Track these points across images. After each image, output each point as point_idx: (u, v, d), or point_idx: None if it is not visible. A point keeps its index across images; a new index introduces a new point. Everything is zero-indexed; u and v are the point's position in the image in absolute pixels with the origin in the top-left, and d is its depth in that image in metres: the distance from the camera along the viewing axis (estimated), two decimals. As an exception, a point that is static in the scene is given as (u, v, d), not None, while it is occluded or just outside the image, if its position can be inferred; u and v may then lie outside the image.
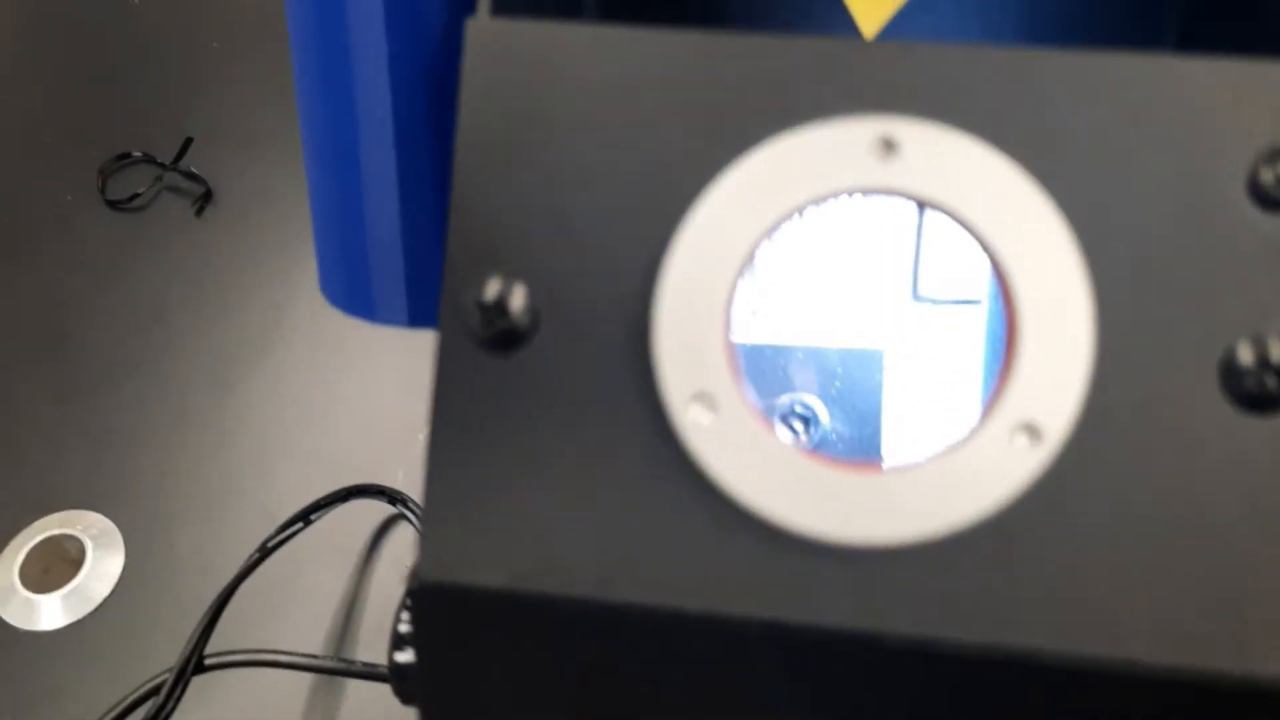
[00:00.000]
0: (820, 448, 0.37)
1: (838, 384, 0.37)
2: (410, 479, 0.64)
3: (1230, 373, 0.24)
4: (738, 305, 0.26)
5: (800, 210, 0.26)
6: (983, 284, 0.36)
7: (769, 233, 0.26)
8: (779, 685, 0.26)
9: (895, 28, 0.37)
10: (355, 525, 0.65)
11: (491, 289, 0.27)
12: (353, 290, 0.36)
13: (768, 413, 0.38)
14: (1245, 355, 0.24)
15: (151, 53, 0.91)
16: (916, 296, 0.37)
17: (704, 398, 0.25)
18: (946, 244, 0.36)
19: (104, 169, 0.84)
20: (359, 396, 0.70)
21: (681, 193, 0.26)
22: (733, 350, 0.26)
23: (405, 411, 0.65)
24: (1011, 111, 0.25)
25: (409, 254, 0.35)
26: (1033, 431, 0.24)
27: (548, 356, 0.27)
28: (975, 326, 0.37)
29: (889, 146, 0.25)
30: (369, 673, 0.57)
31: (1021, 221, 0.25)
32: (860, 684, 0.26)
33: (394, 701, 0.32)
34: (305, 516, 0.61)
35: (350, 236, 0.35)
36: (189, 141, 0.83)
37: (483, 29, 0.27)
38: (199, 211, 0.80)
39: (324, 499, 0.62)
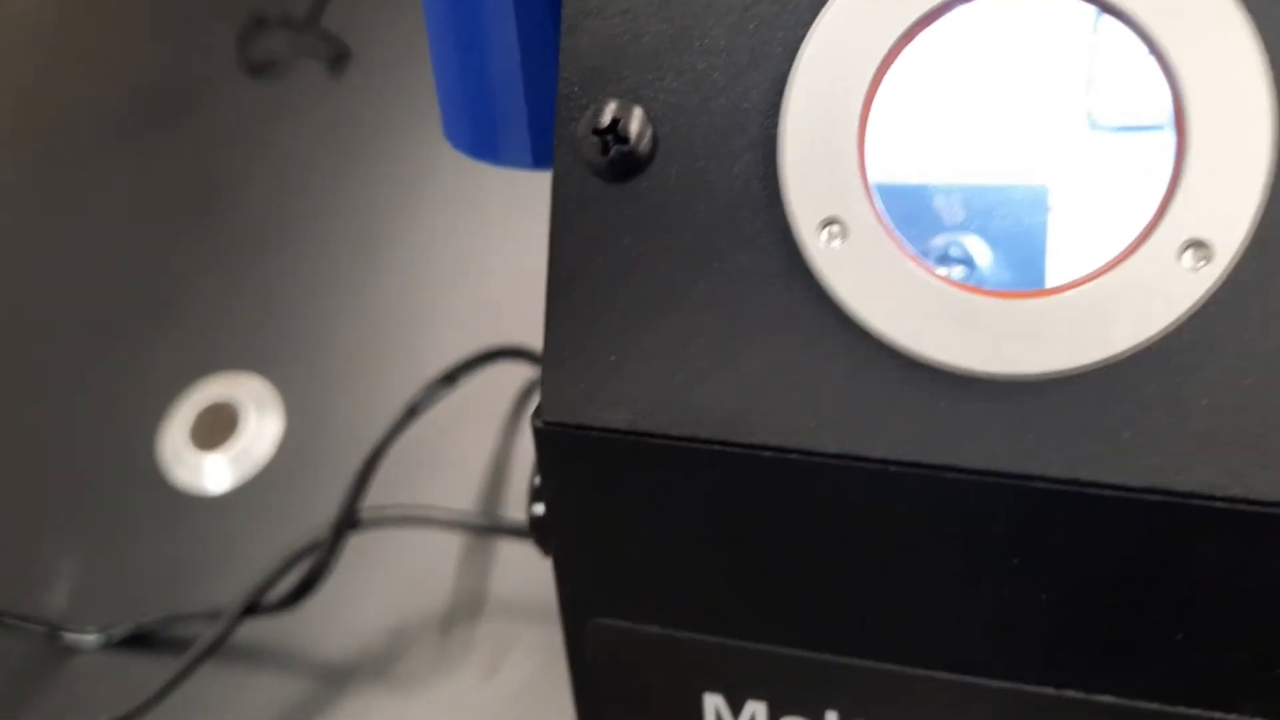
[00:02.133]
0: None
1: (997, 223, 0.34)
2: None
3: None
4: (878, 127, 0.24)
5: (938, 11, 0.23)
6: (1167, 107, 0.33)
7: (904, 36, 0.23)
8: (921, 527, 0.25)
9: None
10: (501, 386, 0.65)
11: (607, 112, 0.25)
12: (476, 131, 0.35)
13: (922, 256, 0.36)
14: None
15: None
16: (1092, 124, 0.34)
17: (836, 223, 0.24)
18: (1124, 61, 0.32)
19: (241, 34, 0.84)
20: (503, 256, 0.70)
21: (808, 3, 0.24)
22: (866, 172, 0.24)
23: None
24: None
25: (530, 91, 0.33)
26: (1202, 248, 0.22)
27: (669, 183, 0.25)
28: (1158, 157, 0.34)
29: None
30: (515, 529, 0.57)
31: (1194, 17, 0.22)
32: (1009, 531, 0.24)
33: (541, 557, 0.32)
34: (450, 377, 0.61)
35: (469, 74, 0.34)
36: (325, 1, 0.83)
37: None
38: (336, 72, 0.80)
39: (467, 360, 0.62)
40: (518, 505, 0.62)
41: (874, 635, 0.27)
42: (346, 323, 0.70)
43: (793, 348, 0.25)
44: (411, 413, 0.61)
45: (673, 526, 0.27)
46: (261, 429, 0.67)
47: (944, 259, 0.35)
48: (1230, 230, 0.22)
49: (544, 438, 0.27)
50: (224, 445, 0.67)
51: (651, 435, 0.26)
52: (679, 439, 0.26)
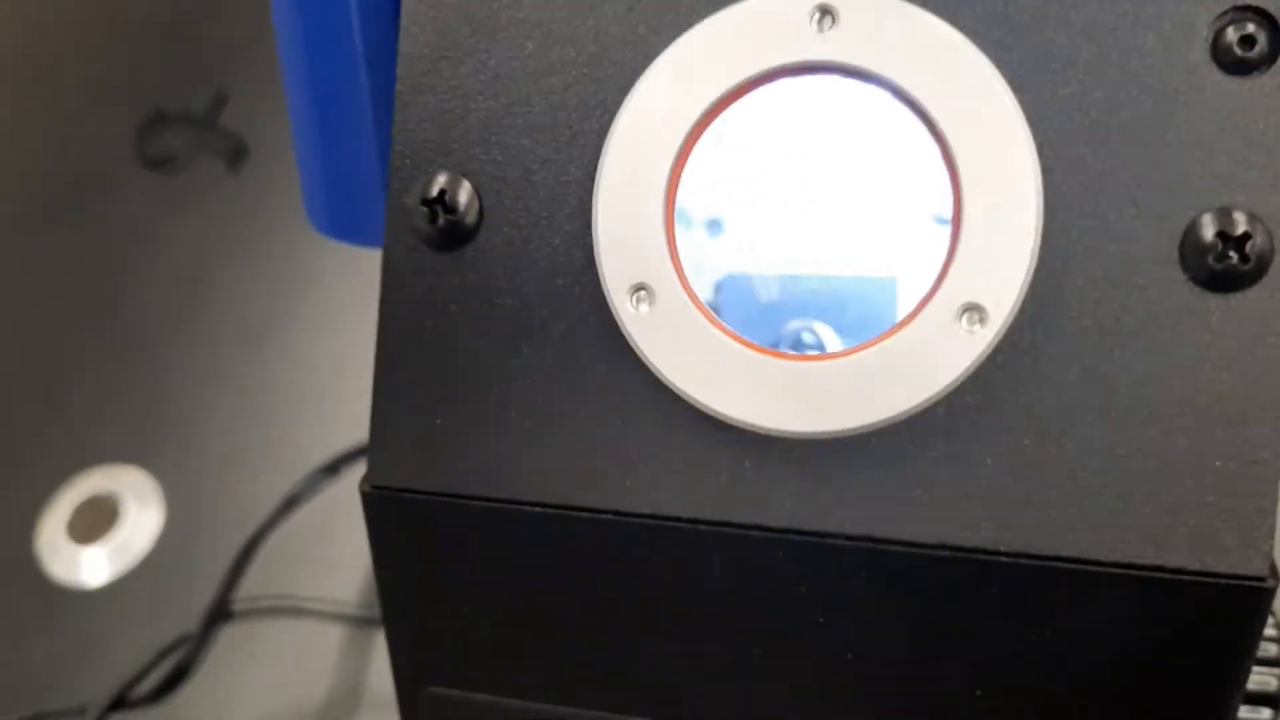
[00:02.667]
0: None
1: (850, 311, 0.35)
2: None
3: (1191, 249, 0.23)
4: (690, 194, 0.26)
5: (742, 89, 0.25)
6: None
7: (710, 112, 0.25)
8: (726, 583, 0.26)
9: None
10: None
11: (436, 184, 0.26)
12: (334, 212, 0.36)
13: (776, 342, 0.37)
14: (1207, 230, 0.23)
15: (183, 10, 0.91)
16: (938, 219, 0.36)
17: (644, 288, 0.25)
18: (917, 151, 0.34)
19: (140, 129, 0.85)
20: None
21: (620, 79, 0.25)
22: (674, 239, 0.25)
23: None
24: None
25: (385, 170, 0.34)
26: (977, 312, 0.23)
27: (494, 253, 0.26)
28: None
29: (827, 15, 0.24)
30: (392, 619, 0.57)
31: (964, 91, 0.23)
32: (808, 582, 0.25)
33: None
34: (332, 468, 0.61)
35: (327, 156, 0.35)
36: (224, 98, 0.84)
37: None
38: (234, 168, 0.81)
39: (350, 451, 0.62)
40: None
41: (693, 695, 0.27)
42: (231, 414, 0.70)
43: (607, 411, 0.25)
44: (291, 503, 0.60)
45: (495, 590, 0.28)
46: (141, 521, 0.66)
47: (798, 342, 0.37)
48: (1002, 294, 0.23)
49: (371, 502, 0.27)
50: (103, 538, 0.66)
51: (474, 498, 0.26)
52: (499, 501, 0.26)
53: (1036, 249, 0.23)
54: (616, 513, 0.25)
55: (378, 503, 0.27)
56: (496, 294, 0.26)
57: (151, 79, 0.88)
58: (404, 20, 0.27)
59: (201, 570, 0.62)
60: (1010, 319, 0.23)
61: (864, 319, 0.36)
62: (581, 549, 0.26)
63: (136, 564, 0.65)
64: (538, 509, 0.26)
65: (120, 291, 0.77)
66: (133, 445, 0.70)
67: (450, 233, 0.26)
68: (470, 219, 0.26)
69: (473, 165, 0.26)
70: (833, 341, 0.36)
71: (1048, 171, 0.23)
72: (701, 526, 0.25)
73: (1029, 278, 0.23)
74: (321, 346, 0.72)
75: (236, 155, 0.82)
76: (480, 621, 0.28)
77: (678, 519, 0.25)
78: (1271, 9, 0.23)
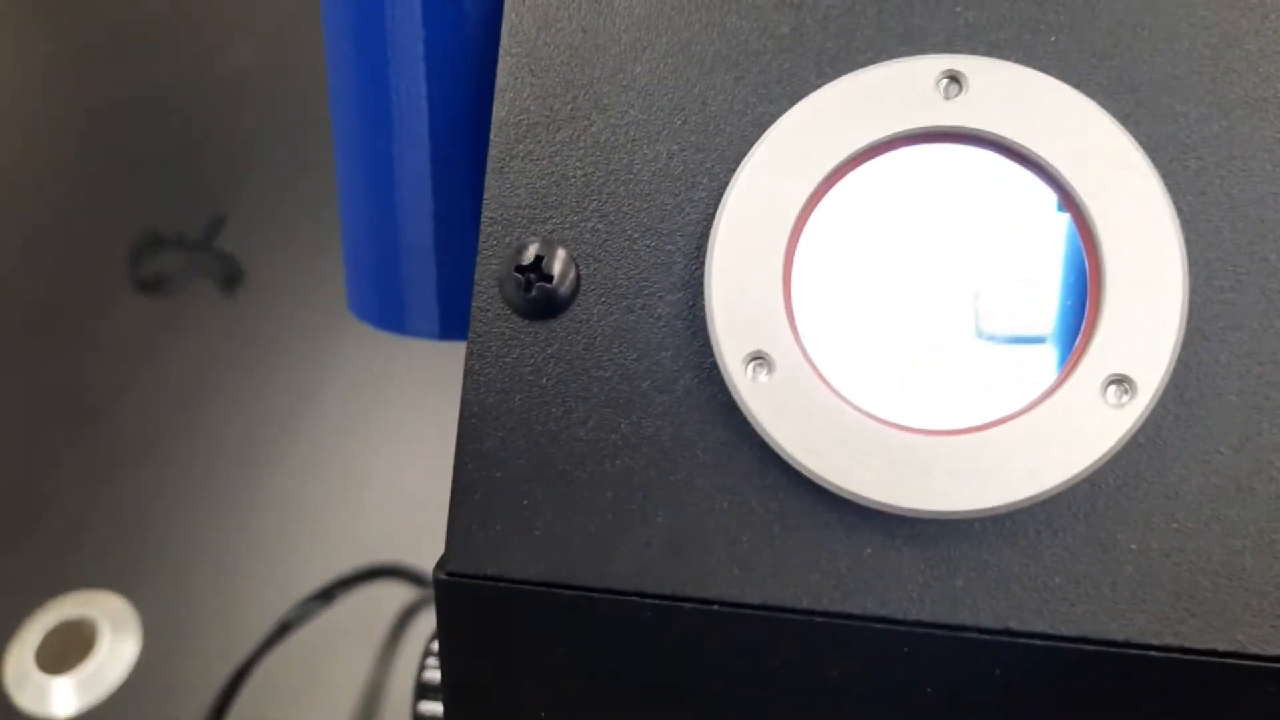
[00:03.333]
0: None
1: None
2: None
3: None
4: (806, 269, 0.24)
5: (861, 156, 0.24)
6: (1049, 320, 0.34)
7: (827, 180, 0.24)
8: (848, 681, 0.24)
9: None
10: (381, 607, 0.62)
11: (530, 251, 0.25)
12: (383, 300, 0.34)
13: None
14: None
15: (182, 135, 0.91)
16: (980, 333, 0.35)
17: (762, 357, 0.23)
18: (1012, 276, 0.33)
19: (134, 252, 0.84)
20: (388, 476, 0.68)
21: (734, 146, 0.25)
22: (792, 307, 0.24)
23: (436, 491, 0.63)
24: (1086, 45, 0.23)
25: (441, 260, 0.33)
26: (1124, 383, 0.22)
27: (591, 323, 0.25)
28: (1044, 366, 0.34)
29: (955, 82, 0.23)
30: (391, 756, 0.54)
31: (1101, 160, 0.23)
32: (936, 679, 0.23)
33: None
34: (326, 594, 0.59)
35: (381, 243, 0.34)
36: (221, 221, 0.83)
37: None
38: (229, 292, 0.80)
39: (346, 577, 0.59)
40: (394, 732, 0.58)
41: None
42: (218, 539, 0.67)
43: (716, 489, 0.24)
44: (284, 629, 0.57)
45: (583, 687, 0.25)
46: (116, 650, 0.62)
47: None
48: (1151, 365, 0.22)
49: (446, 590, 0.25)
50: (75, 668, 0.62)
51: (563, 587, 0.24)
52: (592, 591, 0.24)
53: (1184, 321, 0.22)
54: (725, 603, 0.23)
55: (453, 591, 0.25)
56: (594, 366, 0.25)
57: (147, 202, 0.87)
58: (500, 84, 0.26)
59: (180, 702, 0.59)
60: (1160, 390, 0.22)
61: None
62: (685, 644, 0.24)
63: (109, 695, 0.61)
64: (636, 599, 0.24)
65: (106, 413, 0.75)
66: (110, 569, 0.66)
67: (544, 301, 0.25)
68: (566, 288, 0.25)
69: (570, 233, 0.25)
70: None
71: (1189, 241, 0.22)
72: (818, 619, 0.23)
73: (1178, 349, 0.22)
74: (316, 472, 0.69)
75: (232, 278, 0.81)
76: (561, 718, 0.26)
77: (793, 610, 0.23)
78: None
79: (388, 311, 0.35)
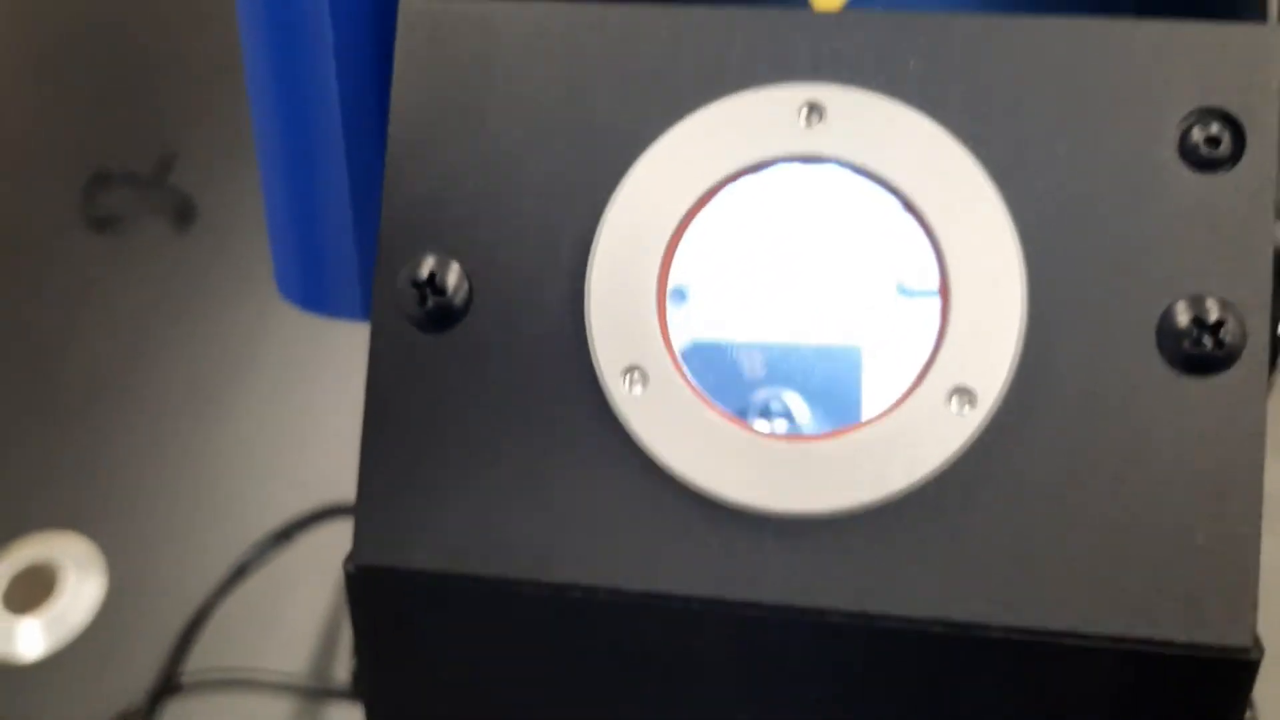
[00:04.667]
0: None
1: (815, 379, 0.36)
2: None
3: (1167, 335, 0.24)
4: (685, 282, 0.26)
5: (730, 178, 0.25)
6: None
7: (701, 200, 0.25)
8: (720, 660, 0.26)
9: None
10: (336, 545, 0.64)
11: (425, 266, 0.26)
12: (307, 284, 0.36)
13: (745, 410, 0.37)
14: (1182, 317, 0.24)
15: (133, 72, 0.91)
16: (901, 290, 0.37)
17: (637, 369, 0.25)
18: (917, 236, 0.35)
19: (85, 189, 0.84)
20: (340, 416, 0.69)
21: (613, 165, 0.26)
22: (665, 321, 0.25)
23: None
24: (939, 76, 0.25)
25: (361, 244, 0.34)
26: (966, 395, 0.24)
27: (483, 333, 0.26)
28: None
29: (815, 111, 0.25)
30: (346, 691, 0.56)
31: (949, 185, 0.24)
32: (801, 657, 0.25)
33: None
34: (284, 534, 0.61)
35: (303, 229, 0.35)
36: (173, 157, 0.83)
37: (414, 8, 0.27)
38: (181, 228, 0.80)
39: (301, 518, 0.61)
40: (349, 666, 0.60)
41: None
42: (177, 479, 0.69)
43: (599, 490, 0.26)
44: (241, 571, 0.59)
45: (485, 668, 0.27)
46: (81, 590, 0.64)
47: (767, 410, 0.37)
48: (991, 377, 0.24)
49: (356, 581, 0.27)
50: (40, 608, 0.64)
51: (462, 576, 0.26)
52: (490, 579, 0.26)
53: (1023, 334, 0.24)
54: (611, 589, 0.26)
55: (362, 581, 0.27)
56: (486, 374, 0.26)
57: (96, 139, 0.87)
58: (393, 105, 0.27)
59: (146, 642, 0.61)
60: (999, 401, 0.24)
61: (829, 387, 0.37)
62: (573, 625, 0.26)
63: (76, 636, 0.63)
64: (530, 585, 0.26)
65: (62, 354, 0.76)
66: (73, 511, 0.68)
67: (439, 314, 0.26)
68: (459, 300, 0.26)
69: (462, 247, 0.27)
70: (801, 410, 0.37)
71: (1029, 259, 0.24)
72: (695, 603, 0.25)
73: (1016, 361, 0.24)
74: (271, 411, 0.71)
75: (184, 215, 0.81)
76: (468, 699, 0.28)
77: (672, 595, 0.25)
78: (1235, 111, 0.24)
79: (310, 292, 0.36)
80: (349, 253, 0.35)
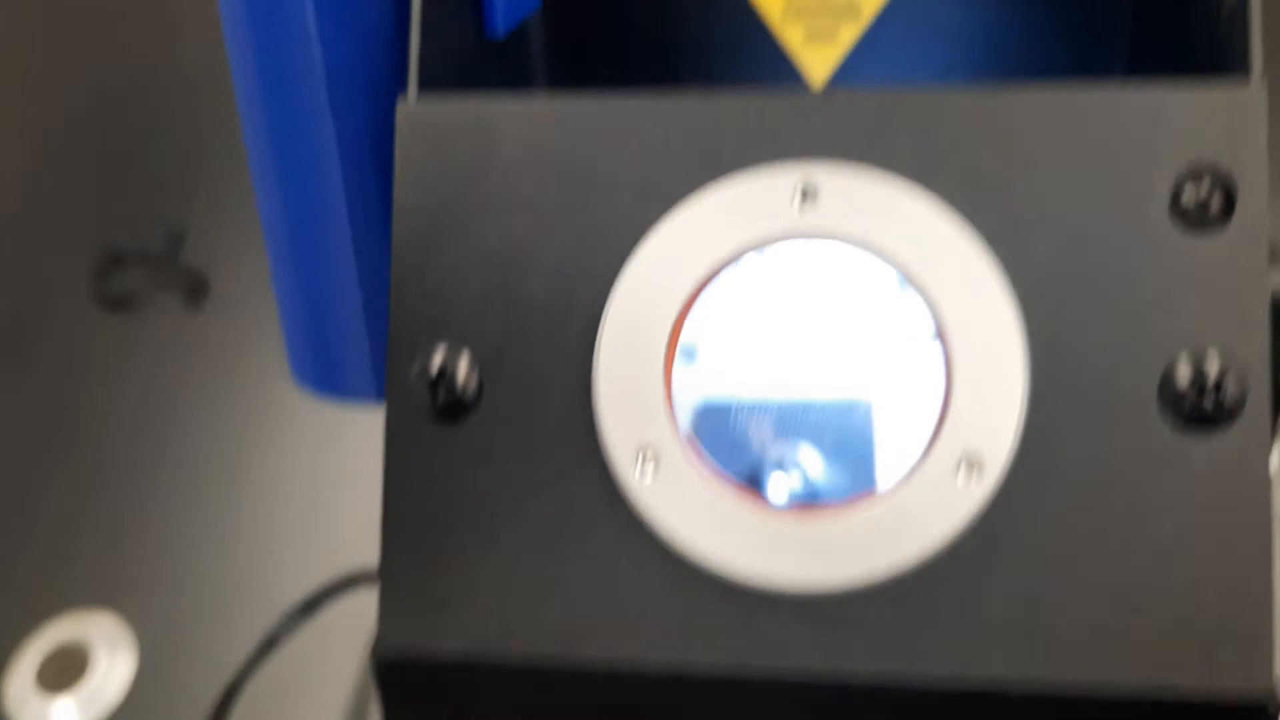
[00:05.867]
0: (816, 498, 0.37)
1: (828, 434, 0.36)
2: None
3: (1168, 394, 0.24)
4: (703, 361, 0.27)
5: (729, 261, 0.26)
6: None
7: (699, 286, 0.26)
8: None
9: (844, 76, 0.37)
10: (363, 613, 0.64)
11: (435, 360, 0.27)
12: (320, 370, 0.36)
13: (759, 467, 0.38)
14: (1182, 376, 0.24)
15: (141, 149, 0.92)
16: (908, 342, 0.37)
17: (647, 453, 0.26)
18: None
19: (97, 269, 0.85)
20: (359, 487, 0.70)
21: (614, 254, 0.27)
22: (673, 405, 0.26)
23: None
24: (931, 150, 0.25)
25: (372, 331, 0.35)
26: (973, 464, 0.24)
27: (495, 423, 0.27)
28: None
29: (810, 190, 0.25)
30: (379, 761, 0.56)
31: (947, 256, 0.25)
32: None
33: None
34: (309, 606, 0.61)
35: (314, 317, 0.36)
36: (184, 232, 0.84)
37: (410, 111, 0.28)
38: (194, 305, 0.81)
39: (327, 588, 0.62)
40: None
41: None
42: (203, 554, 0.69)
43: (616, 574, 0.26)
44: (270, 643, 0.60)
45: None
46: (113, 668, 0.65)
47: (780, 468, 0.37)
48: (997, 444, 0.24)
49: (382, 670, 0.28)
50: (74, 687, 0.64)
51: (486, 661, 0.27)
52: (513, 662, 0.26)
53: (1026, 400, 0.24)
54: (634, 669, 0.26)
55: (389, 670, 0.27)
56: (499, 463, 0.27)
57: (105, 219, 0.88)
58: (396, 203, 0.28)
59: (180, 717, 0.61)
60: (1006, 469, 0.24)
61: (842, 441, 0.37)
62: (599, 706, 0.27)
63: (110, 714, 0.64)
64: (553, 667, 0.26)
65: (80, 432, 0.77)
66: (103, 589, 0.69)
67: (451, 408, 0.27)
68: (470, 392, 0.27)
69: (471, 340, 0.27)
70: (814, 465, 0.37)
71: (1029, 325, 0.25)
72: (718, 679, 0.26)
73: (1021, 428, 0.24)
74: (290, 483, 0.72)
75: (196, 291, 0.82)
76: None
77: (695, 672, 0.26)
78: (1224, 170, 0.24)
79: (324, 378, 0.37)
80: (360, 342, 0.35)
